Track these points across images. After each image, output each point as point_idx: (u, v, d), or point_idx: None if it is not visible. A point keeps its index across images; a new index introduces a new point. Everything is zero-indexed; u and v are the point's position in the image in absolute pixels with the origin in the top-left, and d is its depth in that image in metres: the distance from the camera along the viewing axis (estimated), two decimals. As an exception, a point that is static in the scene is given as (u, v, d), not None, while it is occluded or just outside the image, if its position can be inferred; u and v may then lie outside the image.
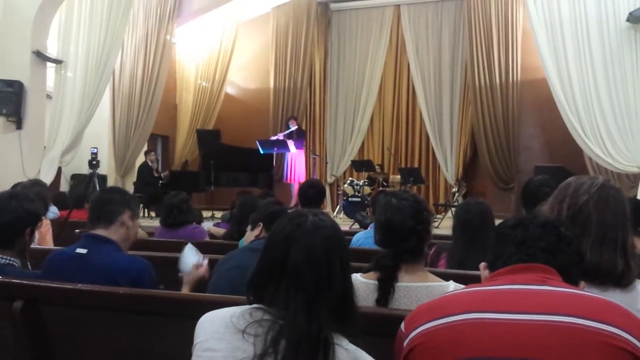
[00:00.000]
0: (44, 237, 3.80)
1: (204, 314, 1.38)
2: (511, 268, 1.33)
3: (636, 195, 7.38)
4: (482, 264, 1.47)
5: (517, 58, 10.91)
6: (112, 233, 2.33)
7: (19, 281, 2.16)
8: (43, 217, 3.82)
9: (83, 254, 2.23)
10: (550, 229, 1.36)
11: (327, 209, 11.84)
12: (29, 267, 2.58)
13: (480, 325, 1.22)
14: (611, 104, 7.82)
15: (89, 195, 5.26)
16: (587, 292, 1.32)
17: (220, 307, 1.37)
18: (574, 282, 1.32)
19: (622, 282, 1.66)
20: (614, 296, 1.57)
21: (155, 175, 10.25)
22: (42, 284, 2.15)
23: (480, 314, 1.23)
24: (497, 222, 2.99)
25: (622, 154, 7.81)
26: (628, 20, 7.63)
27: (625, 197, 1.77)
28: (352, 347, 1.30)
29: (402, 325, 1.37)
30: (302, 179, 10.44)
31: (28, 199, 2.46)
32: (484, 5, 11.00)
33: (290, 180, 11.02)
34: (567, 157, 9.53)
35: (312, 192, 4.09)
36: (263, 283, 1.37)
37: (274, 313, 1.29)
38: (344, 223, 8.81)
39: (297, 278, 1.31)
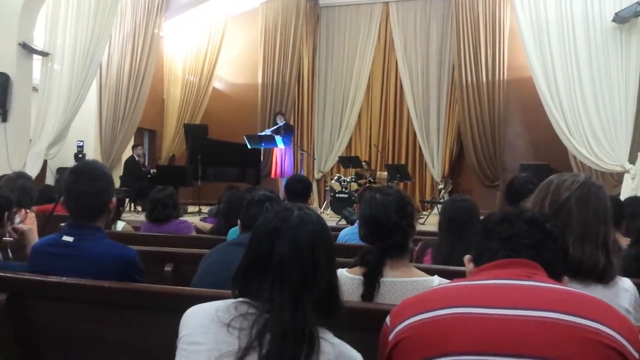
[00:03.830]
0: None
1: (189, 307, 1.38)
2: (496, 263, 1.34)
3: (619, 193, 7.47)
4: (467, 257, 1.48)
5: (504, 57, 11.00)
6: (99, 221, 2.29)
7: (2, 274, 2.14)
8: (28, 210, 3.81)
9: (69, 242, 2.18)
10: (536, 226, 1.36)
11: (315, 204, 11.87)
12: (10, 256, 2.56)
13: (465, 320, 1.22)
14: (596, 103, 7.90)
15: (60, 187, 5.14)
16: (570, 287, 1.32)
17: (206, 301, 1.37)
18: (558, 278, 1.34)
19: (604, 278, 1.68)
20: (596, 292, 1.60)
21: (143, 169, 10.21)
22: (26, 276, 2.13)
23: (465, 308, 1.23)
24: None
25: (606, 153, 7.90)
26: (614, 20, 7.71)
27: (607, 194, 1.80)
28: (337, 341, 1.31)
29: (388, 319, 1.37)
30: (290, 175, 10.44)
31: None
32: (472, 4, 11.08)
33: (278, 176, 11.02)
34: (552, 155, 9.62)
35: (299, 187, 4.11)
36: (248, 277, 1.37)
37: (259, 307, 1.30)
38: (331, 219, 8.83)
39: (282, 272, 1.32)
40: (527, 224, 1.36)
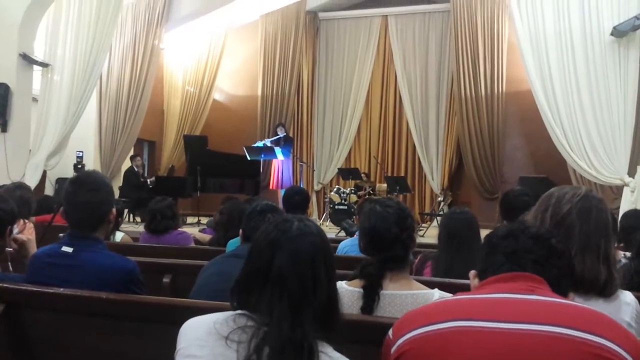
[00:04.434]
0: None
1: (187, 319, 1.37)
2: (500, 277, 1.33)
3: (619, 207, 7.46)
4: (472, 273, 1.47)
5: (502, 70, 11.02)
6: (98, 232, 2.27)
7: (0, 284, 2.13)
8: (26, 221, 3.79)
9: (68, 252, 2.16)
10: (541, 241, 1.35)
11: (314, 216, 11.85)
12: (10, 268, 2.54)
13: (467, 334, 1.21)
14: (595, 116, 7.91)
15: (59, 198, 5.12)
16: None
17: (205, 313, 1.36)
18: (563, 294, 1.33)
19: (605, 291, 1.67)
20: (597, 305, 1.59)
21: (142, 180, 10.21)
22: (24, 287, 2.12)
23: (468, 322, 1.23)
24: (482, 231, 3.04)
25: (605, 166, 7.89)
26: (612, 34, 7.73)
27: (608, 208, 1.79)
28: (336, 355, 1.29)
29: (390, 332, 1.36)
30: (289, 186, 10.43)
31: (1, 199, 2.41)
32: (470, 17, 11.11)
33: (276, 187, 11.02)
34: (551, 168, 9.62)
35: (298, 198, 4.10)
36: (247, 289, 1.35)
37: (257, 319, 1.28)
38: (330, 230, 8.81)
39: (281, 284, 1.30)
40: (532, 239, 1.35)
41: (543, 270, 1.32)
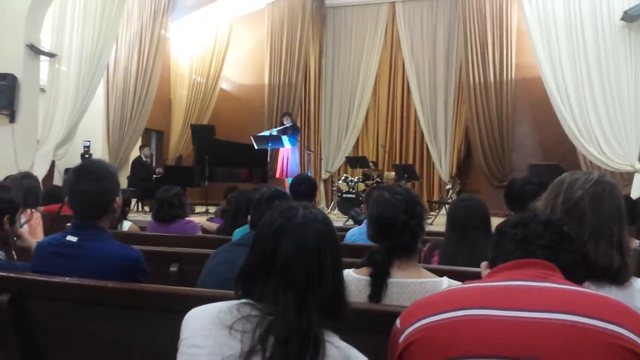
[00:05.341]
0: (34, 230, 3.77)
1: (192, 308, 1.35)
2: (511, 264, 1.30)
3: (630, 193, 7.39)
4: (484, 263, 1.43)
5: (512, 56, 10.93)
6: (103, 221, 2.25)
7: (5, 274, 2.12)
8: (33, 210, 3.80)
9: (73, 242, 2.14)
10: (552, 227, 1.33)
11: (322, 205, 11.84)
12: (15, 257, 2.53)
13: (477, 322, 1.19)
14: (605, 102, 7.83)
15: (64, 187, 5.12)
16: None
17: (210, 302, 1.34)
18: (577, 281, 1.29)
19: (618, 278, 1.63)
20: (610, 293, 1.55)
21: (150, 170, 10.23)
22: (29, 277, 2.11)
23: (478, 310, 1.20)
24: (492, 219, 3.01)
25: (615, 153, 7.82)
26: (623, 19, 7.63)
27: (621, 193, 1.75)
28: (343, 345, 1.27)
29: (398, 321, 1.33)
30: (296, 175, 10.41)
31: (3, 188, 2.39)
32: (479, 3, 11.01)
33: (283, 176, 11.00)
34: (560, 155, 9.54)
35: (305, 187, 4.08)
36: (252, 277, 1.33)
37: (262, 308, 1.26)
38: (338, 219, 8.80)
39: (287, 272, 1.28)
40: (543, 226, 1.33)
41: (554, 257, 1.29)
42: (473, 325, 1.19)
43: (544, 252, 1.29)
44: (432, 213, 10.38)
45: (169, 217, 4.32)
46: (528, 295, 1.21)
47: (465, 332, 1.19)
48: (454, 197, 10.28)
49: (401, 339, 1.28)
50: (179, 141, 12.81)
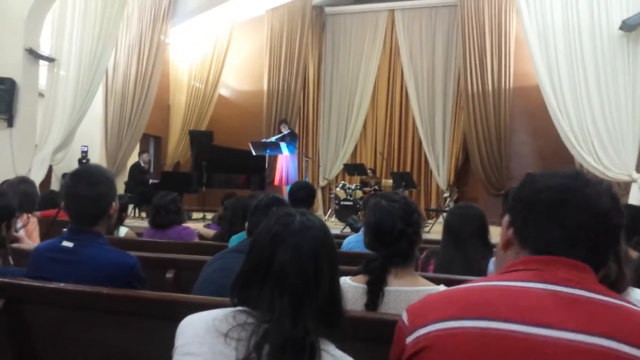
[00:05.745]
0: (30, 235, 3.75)
1: (187, 315, 1.33)
2: (544, 258, 1.11)
3: (627, 203, 7.39)
4: (506, 220, 1.22)
5: (510, 65, 10.96)
6: (99, 226, 2.24)
7: (0, 279, 2.11)
8: (30, 215, 3.79)
9: (69, 247, 2.13)
10: (604, 222, 1.12)
11: (319, 212, 11.83)
12: (11, 262, 2.52)
13: (503, 339, 1.04)
14: (603, 111, 7.84)
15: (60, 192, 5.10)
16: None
17: (206, 309, 1.33)
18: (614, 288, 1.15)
19: (615, 288, 1.62)
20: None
21: (146, 176, 10.20)
22: (24, 282, 2.10)
23: (504, 324, 1.05)
24: (490, 227, 3.00)
25: (613, 162, 7.83)
26: (621, 28, 7.66)
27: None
28: (339, 353, 1.25)
29: (405, 317, 1.18)
30: (294, 181, 10.41)
31: (0, 194, 2.38)
32: (478, 12, 11.05)
33: (282, 183, 10.99)
34: (558, 164, 9.36)
35: (302, 193, 4.06)
36: (248, 284, 1.32)
37: (258, 316, 1.25)
38: (336, 227, 8.79)
39: (283, 279, 1.27)
40: (595, 218, 1.11)
41: (597, 259, 1.13)
42: (497, 342, 1.04)
43: (587, 254, 1.11)
44: (429, 221, 10.37)
45: (166, 223, 4.31)
46: (563, 308, 1.05)
47: (488, 349, 1.05)
48: (451, 205, 10.28)
49: (409, 339, 1.14)
50: (177, 147, 12.81)
